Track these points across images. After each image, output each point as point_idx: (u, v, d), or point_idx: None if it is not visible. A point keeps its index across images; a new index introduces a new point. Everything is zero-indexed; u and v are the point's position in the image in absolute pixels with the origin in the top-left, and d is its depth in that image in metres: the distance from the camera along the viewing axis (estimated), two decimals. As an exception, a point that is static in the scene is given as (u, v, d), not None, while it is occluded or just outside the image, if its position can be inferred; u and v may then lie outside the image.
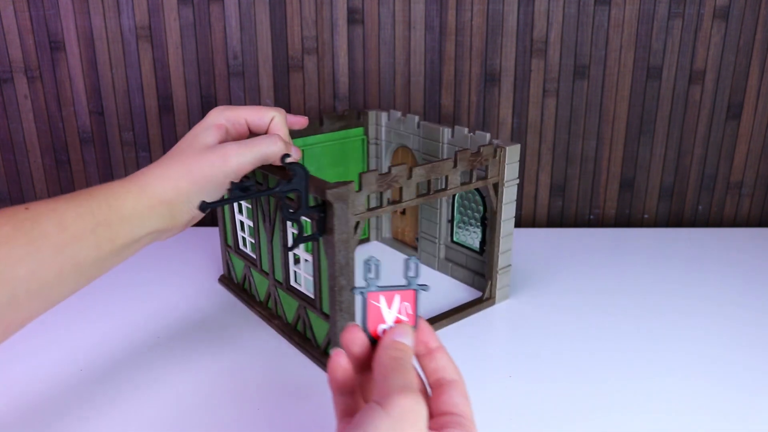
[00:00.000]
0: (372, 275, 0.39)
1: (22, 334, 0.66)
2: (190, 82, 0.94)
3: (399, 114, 0.82)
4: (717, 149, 0.98)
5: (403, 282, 0.40)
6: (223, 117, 0.57)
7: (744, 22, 0.92)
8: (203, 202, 0.48)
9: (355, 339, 0.39)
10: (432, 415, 0.38)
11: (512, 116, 0.96)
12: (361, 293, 0.38)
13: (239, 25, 0.92)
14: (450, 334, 0.68)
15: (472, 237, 0.76)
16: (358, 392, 0.40)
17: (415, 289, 0.40)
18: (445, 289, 0.77)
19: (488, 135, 0.70)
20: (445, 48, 0.93)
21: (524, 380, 0.60)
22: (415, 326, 0.40)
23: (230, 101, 0.95)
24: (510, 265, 0.72)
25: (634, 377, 0.61)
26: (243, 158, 0.53)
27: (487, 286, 0.72)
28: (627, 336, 0.68)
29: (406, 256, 0.40)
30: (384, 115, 0.84)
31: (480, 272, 0.75)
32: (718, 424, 0.54)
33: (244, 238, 0.73)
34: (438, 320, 0.68)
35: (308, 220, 0.58)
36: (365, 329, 0.39)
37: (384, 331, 0.39)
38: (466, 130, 0.72)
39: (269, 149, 0.55)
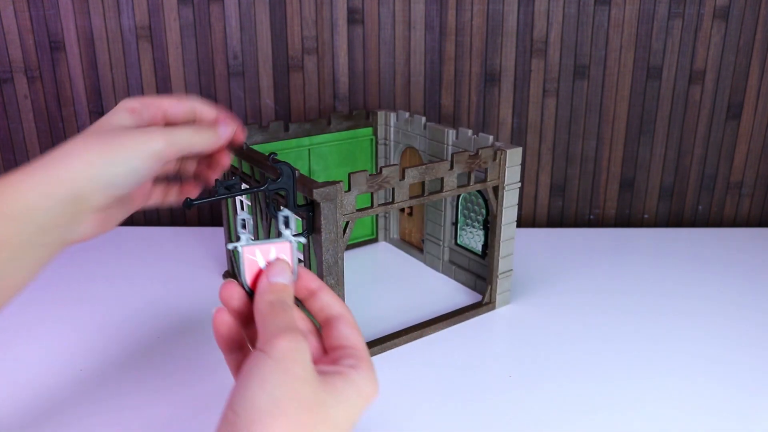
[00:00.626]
0: (246, 230, 0.39)
1: (23, 332, 0.66)
2: (190, 82, 0.94)
3: (407, 115, 0.82)
4: (717, 149, 0.98)
5: (279, 236, 0.40)
6: (136, 101, 0.50)
7: (744, 22, 0.92)
8: (188, 199, 0.47)
9: (233, 294, 0.39)
10: (326, 351, 0.39)
11: (512, 116, 0.96)
12: (237, 248, 0.39)
13: (239, 25, 0.91)
14: (449, 336, 0.68)
15: (474, 240, 0.76)
16: (247, 347, 0.41)
17: (290, 241, 0.40)
18: (447, 292, 0.77)
19: (491, 137, 0.70)
20: (445, 48, 0.93)
21: (524, 380, 0.60)
22: (294, 275, 0.40)
23: (230, 101, 0.95)
24: (511, 270, 0.72)
25: (634, 377, 0.61)
26: (170, 139, 0.46)
27: (487, 290, 0.72)
28: (627, 336, 0.68)
29: (280, 211, 0.40)
30: (393, 116, 0.85)
31: (482, 276, 0.75)
32: (719, 423, 0.55)
33: None
34: (436, 323, 0.68)
35: (299, 218, 0.59)
36: (244, 284, 0.39)
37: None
38: (470, 132, 0.72)
39: (197, 138, 0.47)
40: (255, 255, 0.39)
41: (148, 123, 0.50)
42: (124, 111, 0.48)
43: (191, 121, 0.51)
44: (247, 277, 0.39)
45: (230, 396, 0.33)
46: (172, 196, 0.53)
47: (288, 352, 0.34)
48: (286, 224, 0.40)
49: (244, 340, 0.40)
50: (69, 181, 0.42)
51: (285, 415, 0.32)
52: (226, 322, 0.39)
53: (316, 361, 0.36)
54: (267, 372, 0.33)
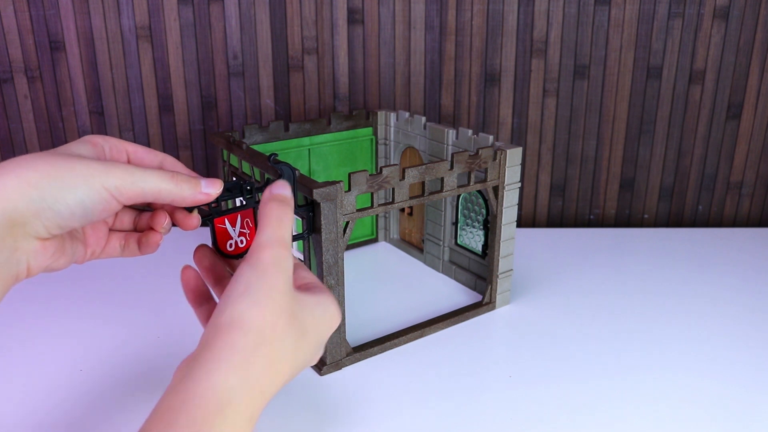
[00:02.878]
0: (214, 205, 0.44)
1: (23, 335, 0.66)
2: (190, 82, 0.94)
3: (407, 115, 0.82)
4: (717, 149, 0.98)
5: (241, 204, 0.46)
6: (99, 138, 0.44)
7: (744, 22, 0.92)
8: None
9: (205, 254, 0.45)
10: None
11: (512, 116, 0.96)
12: (209, 220, 0.44)
13: (239, 25, 0.91)
14: (449, 336, 0.68)
15: (475, 240, 0.76)
16: (213, 300, 0.44)
17: (252, 207, 0.46)
18: (447, 292, 0.77)
19: (491, 137, 0.70)
20: (445, 48, 0.93)
21: (524, 380, 0.60)
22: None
23: (230, 101, 0.95)
24: (511, 269, 0.72)
25: (634, 377, 0.61)
26: (131, 178, 0.39)
27: (487, 290, 0.72)
28: (627, 335, 0.68)
29: (238, 181, 0.46)
30: (393, 116, 0.85)
31: (482, 276, 0.75)
32: (719, 423, 0.55)
33: None
34: (436, 323, 0.68)
35: (299, 218, 0.59)
36: (216, 247, 0.45)
37: (231, 244, 0.46)
38: (470, 132, 0.72)
39: (169, 185, 0.41)
40: (224, 224, 0.45)
41: (109, 159, 0.44)
42: (86, 143, 0.43)
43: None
44: (219, 242, 0.45)
45: (218, 304, 0.37)
46: (132, 249, 0.45)
47: (269, 265, 0.38)
48: (250, 192, 0.46)
49: (209, 293, 0.44)
50: (2, 200, 0.36)
51: (262, 317, 0.36)
52: (193, 277, 0.44)
53: None
54: (252, 281, 0.37)
